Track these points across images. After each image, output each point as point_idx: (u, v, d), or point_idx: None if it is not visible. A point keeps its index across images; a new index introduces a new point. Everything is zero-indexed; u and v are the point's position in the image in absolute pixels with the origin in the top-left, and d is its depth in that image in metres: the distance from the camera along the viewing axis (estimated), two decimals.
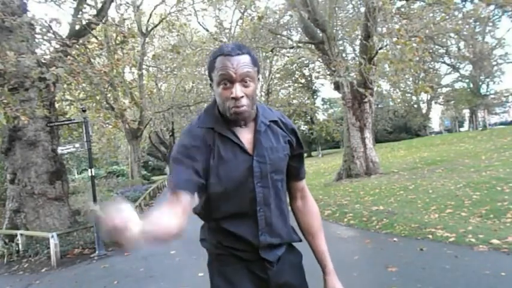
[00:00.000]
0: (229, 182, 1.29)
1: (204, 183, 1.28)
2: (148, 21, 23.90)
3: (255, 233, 1.34)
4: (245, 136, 1.32)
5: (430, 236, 4.88)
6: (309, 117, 36.80)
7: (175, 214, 1.11)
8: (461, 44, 30.86)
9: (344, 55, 21.57)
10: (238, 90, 1.21)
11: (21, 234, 7.67)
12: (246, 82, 1.22)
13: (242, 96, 1.22)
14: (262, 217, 1.34)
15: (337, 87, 12.80)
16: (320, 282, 1.50)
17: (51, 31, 7.98)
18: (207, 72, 1.29)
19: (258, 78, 1.30)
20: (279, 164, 1.36)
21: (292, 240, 1.46)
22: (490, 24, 24.18)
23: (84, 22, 9.48)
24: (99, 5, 11.80)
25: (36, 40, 8.36)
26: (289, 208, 1.50)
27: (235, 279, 1.37)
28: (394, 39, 9.82)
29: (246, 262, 1.38)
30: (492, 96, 36.22)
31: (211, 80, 1.28)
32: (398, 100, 38.82)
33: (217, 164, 1.28)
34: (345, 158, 13.16)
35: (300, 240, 1.49)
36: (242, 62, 1.21)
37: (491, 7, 12.84)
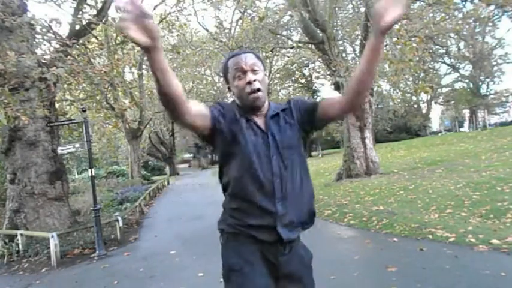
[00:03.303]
0: (250, 149, 1.49)
1: (211, 128, 1.50)
2: None
3: (273, 202, 1.47)
4: (259, 121, 1.58)
5: (430, 236, 4.88)
6: None
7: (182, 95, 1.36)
8: (461, 44, 30.92)
9: (344, 55, 21.57)
10: (251, 75, 1.52)
11: (21, 234, 7.66)
12: (255, 70, 1.54)
13: (255, 80, 1.52)
14: (279, 186, 1.49)
15: (337, 87, 12.79)
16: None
17: (51, 31, 7.98)
18: (222, 77, 1.57)
19: (265, 70, 1.61)
20: (290, 141, 1.56)
21: (308, 221, 1.59)
22: (490, 24, 24.16)
23: (84, 22, 9.49)
24: (99, 5, 11.80)
25: (36, 40, 8.36)
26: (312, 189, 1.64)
27: (250, 258, 1.49)
28: (394, 39, 9.81)
29: (260, 245, 1.49)
30: (492, 96, 36.27)
31: (227, 82, 1.61)
32: (399, 100, 38.81)
33: (240, 133, 1.51)
34: (345, 158, 13.15)
35: (313, 222, 1.62)
36: (249, 57, 1.56)
37: (491, 7, 12.80)
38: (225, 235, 1.58)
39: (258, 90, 1.51)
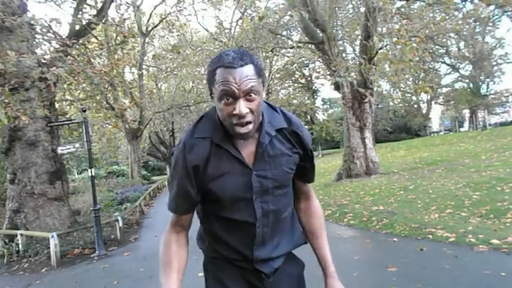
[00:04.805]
0: (226, 195, 1.21)
1: (200, 198, 1.28)
2: (148, 21, 23.91)
3: (250, 247, 1.29)
4: (246, 147, 1.21)
5: (430, 236, 4.88)
6: (309, 117, 36.77)
7: (181, 242, 1.35)
8: (461, 44, 30.88)
9: (344, 55, 21.58)
10: (242, 106, 1.07)
11: (21, 234, 7.67)
12: (250, 96, 1.08)
13: (247, 113, 1.09)
14: (260, 233, 1.27)
15: (337, 87, 12.80)
16: None
17: (51, 31, 7.98)
18: (206, 84, 1.18)
19: (263, 86, 1.16)
20: (283, 179, 1.26)
21: (292, 249, 1.41)
22: (490, 24, 24.16)
23: (84, 22, 9.49)
24: (99, 5, 11.80)
25: (36, 40, 8.37)
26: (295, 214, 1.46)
27: (230, 285, 1.33)
28: (394, 39, 9.82)
29: (241, 269, 1.34)
30: (492, 96, 36.25)
31: (211, 92, 1.15)
32: (398, 100, 38.80)
33: (214, 176, 1.20)
34: (345, 158, 13.16)
35: (305, 242, 1.45)
36: (245, 76, 1.07)
37: (491, 7, 12.82)
38: (205, 255, 1.43)
39: (248, 123, 1.10)
